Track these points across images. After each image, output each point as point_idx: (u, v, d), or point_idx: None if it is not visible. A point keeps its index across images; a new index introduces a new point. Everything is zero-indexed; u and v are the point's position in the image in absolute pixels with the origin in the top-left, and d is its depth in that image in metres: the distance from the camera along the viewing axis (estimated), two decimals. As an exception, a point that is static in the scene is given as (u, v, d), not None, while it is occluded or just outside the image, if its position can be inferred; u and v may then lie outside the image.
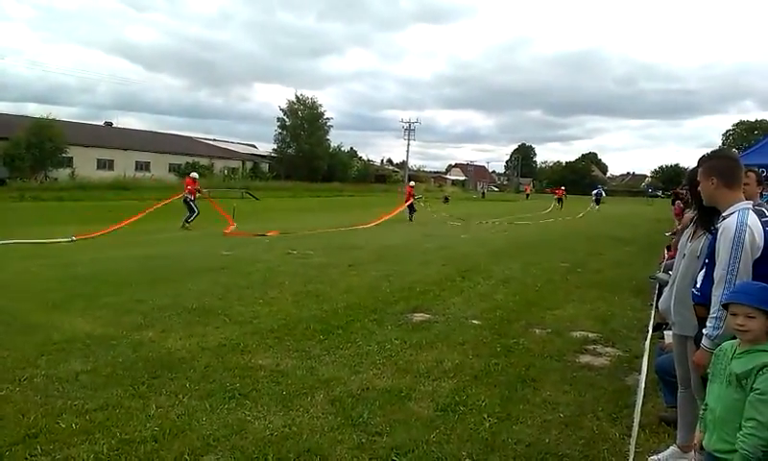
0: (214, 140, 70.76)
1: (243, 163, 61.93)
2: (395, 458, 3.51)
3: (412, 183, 28.28)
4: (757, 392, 2.25)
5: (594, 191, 45.47)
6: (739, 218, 2.81)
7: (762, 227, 2.83)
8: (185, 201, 18.07)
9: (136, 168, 49.77)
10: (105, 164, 48.74)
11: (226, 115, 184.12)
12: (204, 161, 56.73)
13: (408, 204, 24.53)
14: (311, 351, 5.54)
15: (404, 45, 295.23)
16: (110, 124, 63.75)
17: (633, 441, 3.58)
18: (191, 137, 68.05)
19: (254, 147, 76.10)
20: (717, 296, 2.79)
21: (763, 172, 6.84)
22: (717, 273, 2.84)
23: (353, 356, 5.39)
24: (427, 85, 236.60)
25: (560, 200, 43.77)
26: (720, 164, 3.04)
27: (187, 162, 54.96)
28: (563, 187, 48.37)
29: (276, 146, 67.82)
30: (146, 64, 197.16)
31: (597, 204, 41.26)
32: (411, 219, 23.99)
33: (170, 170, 52.86)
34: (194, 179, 18.35)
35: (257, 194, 37.58)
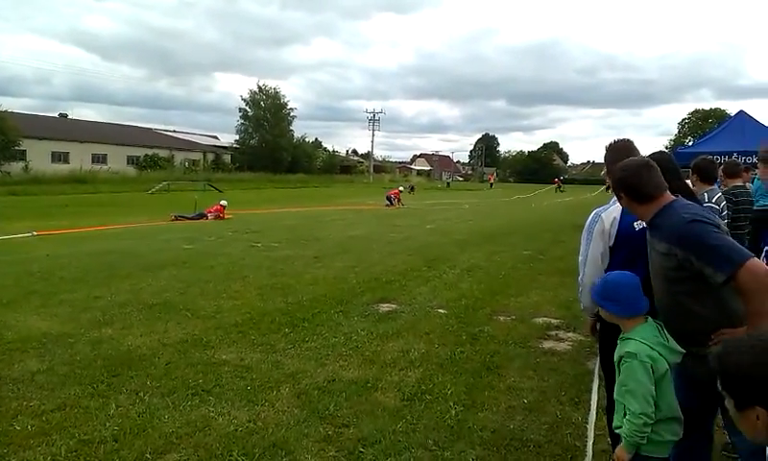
0: (174, 132, 69.16)
1: (204, 155, 60.67)
2: (361, 450, 3.50)
3: (401, 188, 32.92)
4: (621, 382, 2.38)
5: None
6: (599, 209, 3.03)
7: (622, 218, 2.93)
8: (205, 215, 18.89)
9: (93, 161, 48.22)
10: (60, 157, 47.06)
11: (187, 106, 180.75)
12: (163, 153, 55.43)
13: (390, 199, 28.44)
14: (276, 344, 5.48)
15: (369, 35, 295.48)
16: (65, 115, 61.62)
17: (591, 424, 3.66)
18: (150, 129, 66.33)
19: (216, 138, 74.74)
20: (579, 278, 3.08)
21: (717, 159, 7.05)
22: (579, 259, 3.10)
23: (319, 349, 5.36)
24: (392, 76, 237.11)
25: (558, 187, 55.77)
26: (606, 157, 3.10)
27: (146, 154, 53.65)
28: (558, 178, 65.46)
29: (238, 137, 66.69)
30: (104, 54, 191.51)
31: (608, 190, 51.64)
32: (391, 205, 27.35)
33: (128, 162, 51.45)
34: (223, 206, 19.64)
35: (219, 186, 37.02)
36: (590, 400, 4.11)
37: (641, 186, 2.52)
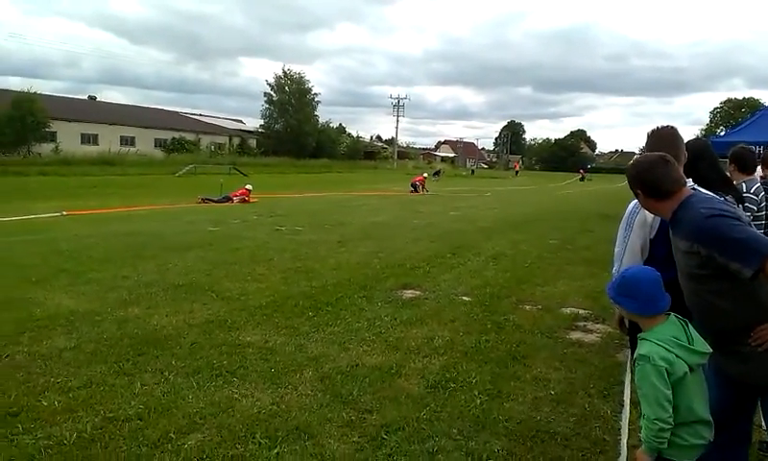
0: (200, 115, 69.73)
1: (230, 139, 61.13)
2: (384, 436, 3.46)
3: (425, 175, 32.37)
4: (636, 385, 2.27)
5: None
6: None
7: None
8: (229, 198, 19.12)
9: (121, 143, 48.95)
10: (89, 139, 47.86)
11: (213, 90, 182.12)
12: (190, 137, 56.00)
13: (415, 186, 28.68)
14: (300, 327, 5.47)
15: (395, 20, 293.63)
16: (94, 98, 62.62)
17: (624, 419, 3.55)
18: (177, 112, 67.06)
19: (242, 122, 75.19)
20: (614, 269, 3.02)
21: (754, 149, 6.80)
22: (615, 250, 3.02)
23: (342, 333, 5.33)
24: (417, 61, 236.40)
25: (582, 178, 56.42)
26: (649, 144, 2.97)
27: (173, 137, 54.26)
28: (582, 168, 68.09)
29: (263, 122, 67.00)
30: (132, 38, 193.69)
31: None
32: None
33: (156, 145, 52.13)
34: (249, 190, 19.87)
35: (244, 170, 37.28)
36: (623, 393, 4.01)
37: (658, 183, 2.42)
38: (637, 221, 2.85)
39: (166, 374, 4.27)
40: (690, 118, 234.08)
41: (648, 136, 2.98)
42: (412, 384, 4.23)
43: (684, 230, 2.33)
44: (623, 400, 3.95)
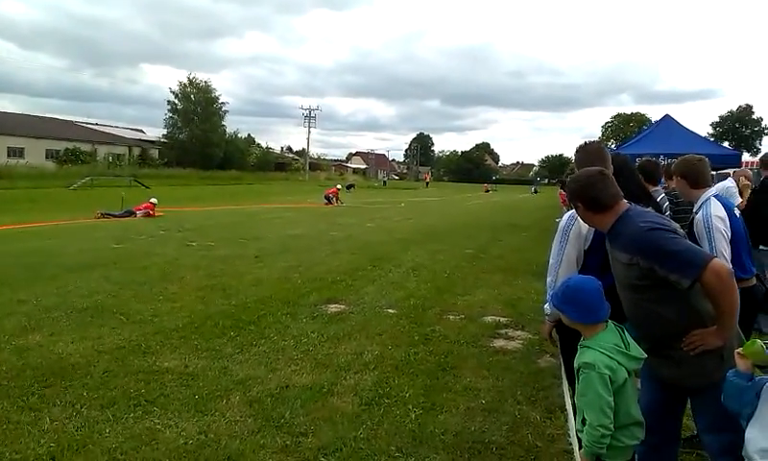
0: (97, 124, 65.79)
1: (130, 149, 58.02)
2: (322, 459, 3.36)
3: (339, 186, 31.51)
4: (579, 393, 2.36)
5: (533, 186, 68.59)
6: (573, 211, 2.92)
7: None
8: (132, 212, 18.16)
9: (9, 154, 45.21)
10: (-30, 150, 43.94)
11: (111, 98, 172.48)
12: (85, 147, 52.69)
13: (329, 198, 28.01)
14: (222, 349, 5.23)
15: (304, 30, 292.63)
16: (-25, 105, 57.54)
17: (572, 430, 3.60)
18: (71, 121, 62.88)
19: (142, 132, 71.73)
20: (548, 280, 3.06)
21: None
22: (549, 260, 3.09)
23: (269, 353, 5.15)
24: (328, 72, 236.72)
25: (487, 191, 58.33)
26: (578, 158, 3.11)
27: (66, 148, 50.83)
28: (487, 183, 70.50)
29: (166, 131, 64.18)
30: (21, 42, 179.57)
31: (535, 192, 58.18)
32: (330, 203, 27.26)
33: (47, 157, 48.55)
34: (153, 204, 19.02)
35: (146, 182, 35.57)
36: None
37: (598, 197, 2.52)
38: (573, 232, 2.94)
39: (78, 406, 3.92)
40: (583, 132, 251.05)
41: (576, 151, 3.12)
42: (346, 402, 4.14)
43: (624, 243, 2.43)
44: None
